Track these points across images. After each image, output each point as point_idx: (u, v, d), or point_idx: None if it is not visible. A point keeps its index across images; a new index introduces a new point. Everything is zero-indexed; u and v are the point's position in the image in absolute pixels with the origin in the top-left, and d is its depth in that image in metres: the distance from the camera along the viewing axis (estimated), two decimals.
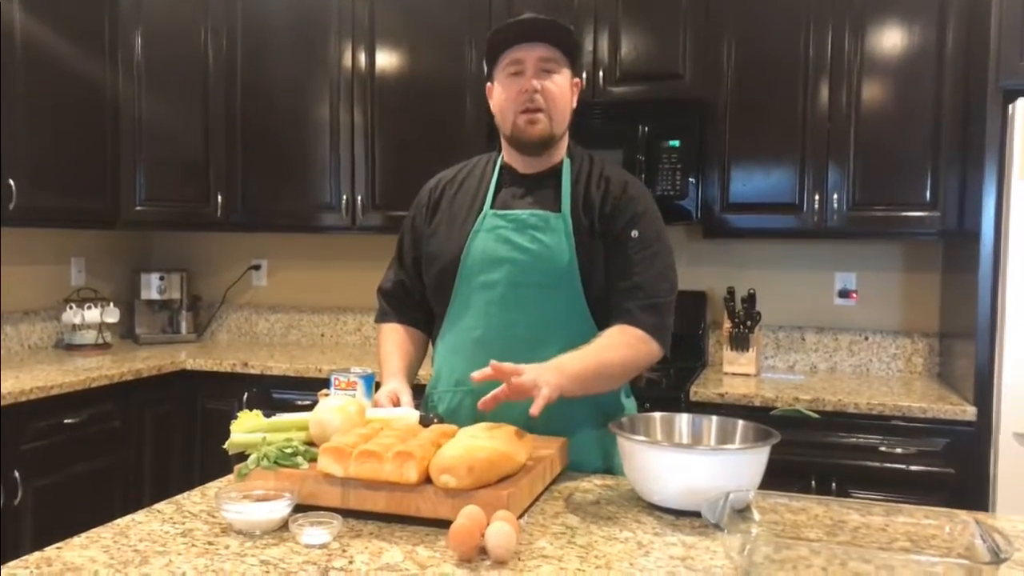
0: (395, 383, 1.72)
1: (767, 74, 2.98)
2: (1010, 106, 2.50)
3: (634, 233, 1.69)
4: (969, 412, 2.55)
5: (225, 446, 1.46)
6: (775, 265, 3.34)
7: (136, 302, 3.87)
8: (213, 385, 3.34)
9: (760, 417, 2.41)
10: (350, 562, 1.17)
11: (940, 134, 2.82)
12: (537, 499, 1.45)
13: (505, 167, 1.80)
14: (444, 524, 1.23)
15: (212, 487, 1.51)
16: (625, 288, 1.67)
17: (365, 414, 1.53)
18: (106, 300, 3.63)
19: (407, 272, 1.87)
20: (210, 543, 1.24)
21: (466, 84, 3.31)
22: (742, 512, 1.25)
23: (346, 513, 1.31)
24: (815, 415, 2.66)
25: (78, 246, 3.73)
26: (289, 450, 1.40)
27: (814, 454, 2.62)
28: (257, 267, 4.05)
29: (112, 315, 3.57)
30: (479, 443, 1.33)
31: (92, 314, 3.51)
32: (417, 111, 3.38)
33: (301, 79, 3.54)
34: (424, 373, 1.85)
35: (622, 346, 1.63)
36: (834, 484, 2.61)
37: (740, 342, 3.12)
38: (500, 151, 1.82)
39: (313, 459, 1.39)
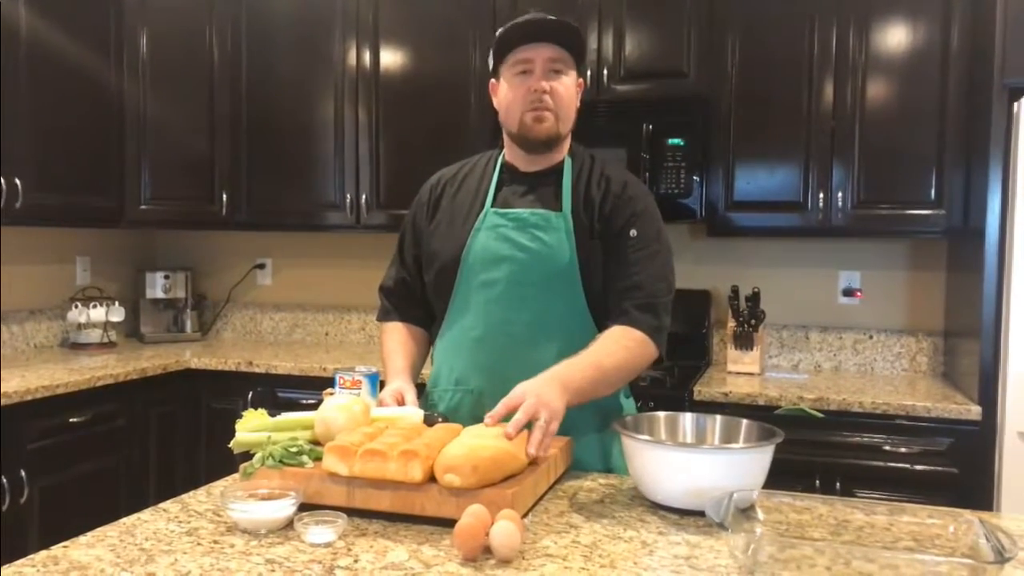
0: (399, 382, 1.71)
1: (771, 72, 2.98)
2: (1015, 104, 2.50)
3: (633, 232, 1.69)
4: (974, 411, 2.55)
5: (230, 445, 1.46)
6: (779, 264, 3.34)
7: (141, 301, 3.87)
8: (218, 384, 3.34)
9: (764, 416, 2.41)
10: (355, 561, 1.17)
11: (945, 132, 2.81)
12: (541, 498, 1.45)
13: (506, 165, 1.79)
14: (449, 523, 1.24)
15: (217, 486, 1.52)
16: (623, 287, 1.67)
17: (370, 413, 1.53)
18: (111, 299, 3.64)
19: (408, 270, 1.86)
20: (215, 542, 1.24)
21: (470, 82, 3.31)
22: (746, 511, 1.26)
23: (351, 512, 1.31)
24: (819, 414, 2.66)
25: (83, 245, 3.74)
26: (294, 449, 1.40)
27: (818, 453, 2.62)
28: (262, 266, 4.05)
29: (117, 314, 3.59)
30: (483, 442, 1.33)
31: (97, 313, 3.53)
32: (421, 110, 3.38)
33: (305, 78, 3.54)
34: (424, 372, 1.85)
35: (621, 350, 1.62)
36: (838, 483, 2.60)
37: (744, 341, 3.11)
38: (501, 149, 1.82)
39: (318, 458, 1.39)
